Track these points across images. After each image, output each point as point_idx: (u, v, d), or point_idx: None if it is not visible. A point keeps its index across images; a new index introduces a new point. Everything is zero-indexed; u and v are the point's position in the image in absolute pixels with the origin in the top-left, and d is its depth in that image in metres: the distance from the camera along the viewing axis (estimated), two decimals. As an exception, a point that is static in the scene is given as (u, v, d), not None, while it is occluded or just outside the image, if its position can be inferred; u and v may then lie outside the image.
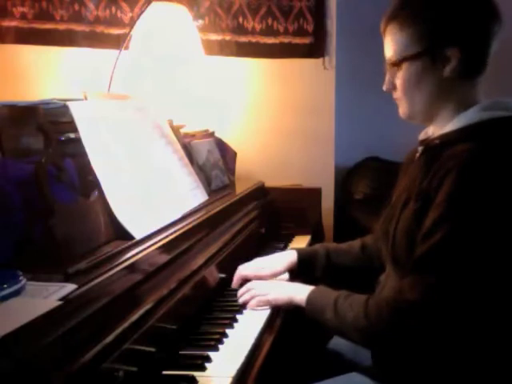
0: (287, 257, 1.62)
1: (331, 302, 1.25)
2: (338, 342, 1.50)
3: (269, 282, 1.53)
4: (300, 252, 1.63)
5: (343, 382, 1.29)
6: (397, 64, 1.24)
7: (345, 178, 2.67)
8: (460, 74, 1.21)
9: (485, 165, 1.13)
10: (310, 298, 1.32)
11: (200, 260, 1.40)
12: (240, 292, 1.45)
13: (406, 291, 1.13)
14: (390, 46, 1.26)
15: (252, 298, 1.41)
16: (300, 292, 1.35)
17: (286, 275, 1.62)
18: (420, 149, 1.30)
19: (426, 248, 1.13)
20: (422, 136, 1.34)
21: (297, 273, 1.62)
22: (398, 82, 1.26)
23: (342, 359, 1.48)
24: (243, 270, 1.56)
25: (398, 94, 1.28)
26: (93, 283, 0.97)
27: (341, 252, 1.61)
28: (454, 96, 1.23)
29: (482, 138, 1.16)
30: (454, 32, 1.19)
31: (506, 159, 1.15)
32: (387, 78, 1.29)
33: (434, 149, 1.23)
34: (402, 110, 1.29)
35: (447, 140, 1.21)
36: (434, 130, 1.29)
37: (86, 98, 1.42)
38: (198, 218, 1.52)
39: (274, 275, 1.58)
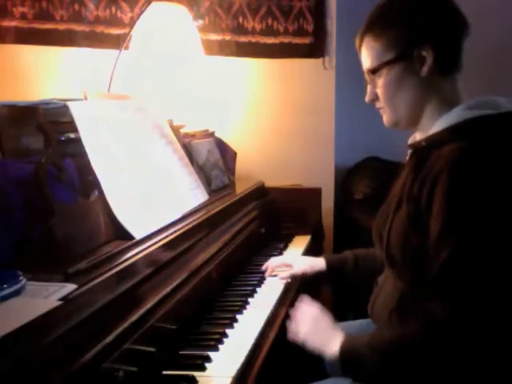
0: (319, 265, 1.66)
1: (365, 344, 1.17)
2: None
3: (311, 322, 1.34)
4: (328, 259, 1.67)
5: (345, 381, 1.29)
6: (376, 71, 1.26)
7: (345, 178, 2.67)
8: (437, 71, 1.23)
9: (473, 165, 1.12)
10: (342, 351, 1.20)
11: (200, 260, 1.40)
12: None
13: (435, 315, 1.09)
14: (368, 57, 1.29)
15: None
16: (331, 346, 1.23)
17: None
18: (409, 152, 1.31)
19: (438, 267, 1.11)
20: (410, 140, 1.35)
21: (326, 280, 1.67)
22: (380, 90, 1.28)
23: None
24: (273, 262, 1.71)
25: (380, 103, 1.30)
26: (93, 283, 0.97)
27: (369, 257, 1.59)
28: (435, 95, 1.25)
29: (468, 137, 1.16)
30: (425, 32, 1.23)
31: (494, 157, 1.14)
32: (369, 89, 1.32)
33: (421, 151, 1.24)
34: (386, 118, 1.31)
35: (433, 141, 1.21)
36: (420, 134, 1.30)
37: (86, 98, 1.42)
38: (198, 217, 1.52)
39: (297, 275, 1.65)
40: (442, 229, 1.11)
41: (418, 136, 1.32)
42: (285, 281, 1.65)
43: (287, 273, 1.68)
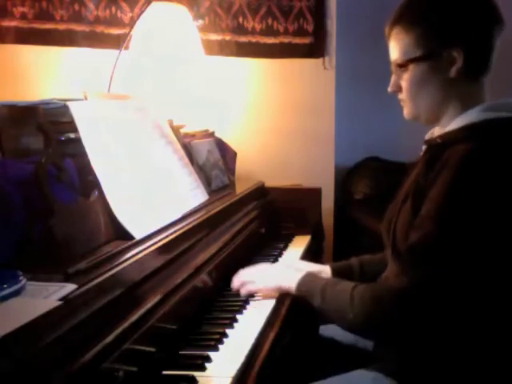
0: (324, 272, 1.64)
1: (318, 290, 1.28)
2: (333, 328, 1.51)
3: (256, 268, 1.52)
4: (334, 267, 1.65)
5: (349, 379, 1.28)
6: (403, 66, 1.25)
7: (345, 178, 2.67)
8: (465, 74, 1.22)
9: (481, 162, 1.14)
10: (298, 287, 1.35)
11: (200, 260, 1.40)
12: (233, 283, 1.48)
13: (392, 279, 1.14)
14: (396, 49, 1.27)
15: (242, 285, 1.44)
16: (287, 279, 1.39)
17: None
18: (424, 147, 1.31)
19: (416, 237, 1.14)
20: (427, 136, 1.35)
21: None
22: (404, 83, 1.27)
23: (341, 346, 1.49)
24: None
25: (403, 96, 1.29)
26: (93, 283, 0.97)
27: (375, 262, 1.59)
28: (458, 96, 1.24)
29: (482, 137, 1.16)
30: (457, 33, 1.21)
31: (502, 160, 1.15)
32: (393, 79, 1.30)
33: (436, 147, 1.24)
34: (407, 111, 1.30)
35: (448, 139, 1.22)
36: (438, 130, 1.30)
37: (86, 98, 1.42)
38: (198, 217, 1.52)
39: None
40: (433, 208, 1.14)
41: (436, 131, 1.32)
42: None
43: None
